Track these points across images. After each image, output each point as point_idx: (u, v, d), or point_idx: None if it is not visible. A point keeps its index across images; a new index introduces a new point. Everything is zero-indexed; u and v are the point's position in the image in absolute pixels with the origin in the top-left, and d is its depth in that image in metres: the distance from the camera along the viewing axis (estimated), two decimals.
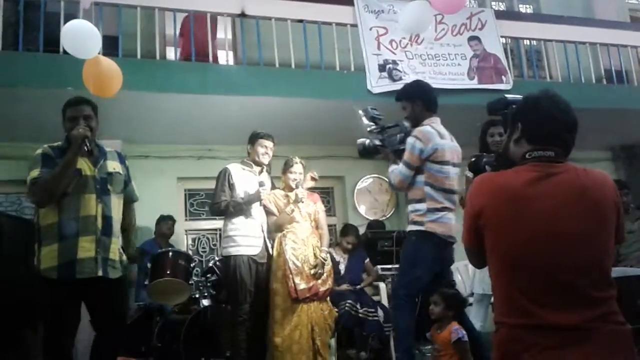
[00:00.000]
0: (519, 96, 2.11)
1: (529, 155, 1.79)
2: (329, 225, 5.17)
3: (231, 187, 4.31)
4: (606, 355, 1.58)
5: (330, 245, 5.08)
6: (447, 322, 3.65)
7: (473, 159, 2.81)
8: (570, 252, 1.64)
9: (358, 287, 5.45)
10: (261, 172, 4.49)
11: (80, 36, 3.92)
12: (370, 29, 6.00)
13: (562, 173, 1.75)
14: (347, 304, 5.01)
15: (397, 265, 4.85)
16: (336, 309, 4.73)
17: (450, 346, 3.57)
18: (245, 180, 4.36)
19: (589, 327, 1.57)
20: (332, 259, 5.14)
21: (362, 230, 6.19)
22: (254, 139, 4.45)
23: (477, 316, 4.25)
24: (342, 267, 5.51)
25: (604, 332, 1.58)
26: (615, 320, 1.62)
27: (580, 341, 1.56)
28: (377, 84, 5.77)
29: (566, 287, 1.61)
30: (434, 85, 5.94)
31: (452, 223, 3.58)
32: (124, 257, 3.19)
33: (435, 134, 3.58)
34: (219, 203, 4.27)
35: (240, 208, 4.26)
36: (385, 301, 5.36)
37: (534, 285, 1.65)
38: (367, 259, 5.70)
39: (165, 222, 6.00)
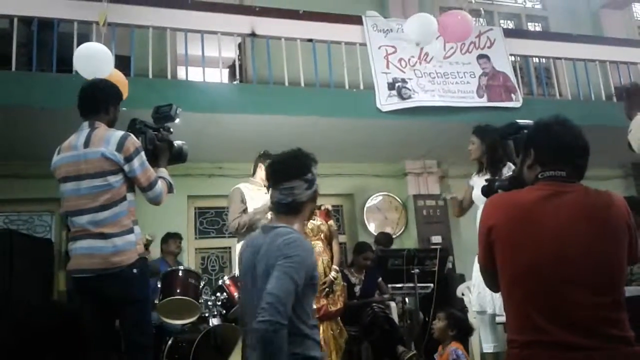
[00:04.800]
0: (529, 121, 2.12)
1: (541, 175, 1.81)
2: (339, 244, 5.14)
3: (244, 205, 4.32)
4: None
5: (341, 265, 5.04)
6: (449, 343, 3.66)
7: (486, 183, 2.81)
8: (579, 272, 1.63)
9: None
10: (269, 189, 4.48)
11: (93, 58, 4.03)
12: (379, 48, 6.03)
13: (571, 192, 1.75)
14: (373, 308, 4.99)
15: (408, 284, 4.85)
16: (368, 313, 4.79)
17: None
18: (256, 199, 4.37)
19: (602, 348, 1.55)
20: (348, 280, 5.11)
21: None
22: (265, 158, 4.44)
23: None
24: (357, 290, 5.43)
25: (617, 354, 1.56)
26: (628, 342, 1.61)
27: None
28: (386, 102, 5.79)
29: (577, 307, 1.60)
30: (443, 104, 6.07)
31: (85, 252, 2.80)
32: None
33: (55, 152, 2.97)
34: (236, 220, 4.26)
35: (256, 219, 4.25)
36: (396, 320, 5.31)
37: (546, 303, 1.64)
38: (380, 278, 5.64)
39: (174, 240, 5.96)
